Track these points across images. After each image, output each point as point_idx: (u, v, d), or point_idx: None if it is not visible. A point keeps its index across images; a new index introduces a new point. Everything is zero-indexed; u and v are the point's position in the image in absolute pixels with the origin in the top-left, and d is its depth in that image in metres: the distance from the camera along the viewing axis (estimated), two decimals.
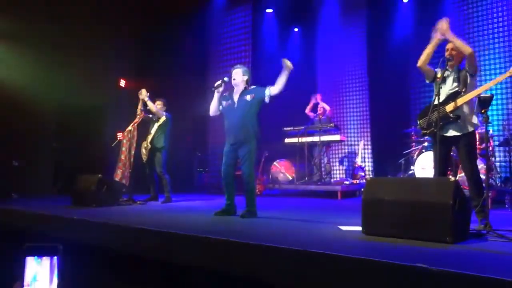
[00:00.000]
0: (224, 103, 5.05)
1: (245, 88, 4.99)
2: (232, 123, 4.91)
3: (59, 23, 8.07)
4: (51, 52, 8.05)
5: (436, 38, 4.14)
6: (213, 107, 5.11)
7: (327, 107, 8.88)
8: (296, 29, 11.23)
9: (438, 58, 4.17)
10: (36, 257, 0.82)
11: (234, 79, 5.00)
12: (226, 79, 5.07)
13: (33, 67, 7.90)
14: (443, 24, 4.03)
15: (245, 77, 5.00)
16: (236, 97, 4.96)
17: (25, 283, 0.81)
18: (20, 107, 7.71)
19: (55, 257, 0.83)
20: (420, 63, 4.23)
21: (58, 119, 8.59)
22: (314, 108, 8.96)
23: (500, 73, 7.28)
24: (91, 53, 8.46)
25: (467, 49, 3.97)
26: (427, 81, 4.35)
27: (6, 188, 7.05)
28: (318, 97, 8.99)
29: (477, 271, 2.04)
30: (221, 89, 5.04)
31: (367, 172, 9.09)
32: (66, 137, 8.39)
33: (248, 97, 4.88)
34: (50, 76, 8.06)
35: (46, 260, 0.82)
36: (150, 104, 6.66)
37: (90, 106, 8.67)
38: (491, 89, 5.27)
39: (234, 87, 5.03)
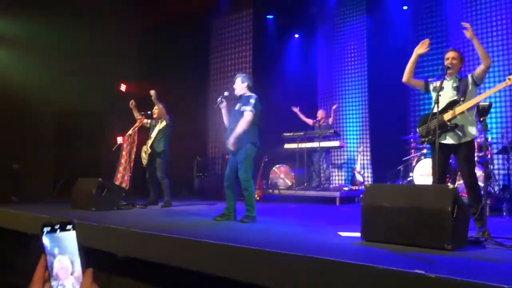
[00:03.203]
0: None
1: (241, 95, 5.02)
2: (228, 131, 4.98)
3: (60, 27, 8.10)
4: (52, 56, 8.08)
5: (415, 53, 4.20)
6: (225, 121, 5.18)
7: (333, 117, 8.95)
8: (296, 35, 11.28)
9: (436, 66, 4.21)
10: (52, 233, 0.84)
11: (235, 89, 5.06)
12: (226, 93, 5.13)
13: (34, 71, 7.93)
14: (469, 29, 4.04)
15: (245, 84, 5.03)
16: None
17: (48, 258, 0.83)
18: (20, 110, 7.73)
19: (73, 231, 0.85)
20: (404, 78, 4.30)
21: (58, 123, 8.60)
22: (309, 115, 8.97)
23: (499, 81, 7.33)
24: (92, 57, 8.49)
25: (488, 60, 4.03)
26: (423, 92, 4.40)
27: (6, 191, 7.05)
28: (335, 106, 9.09)
29: (475, 278, 2.06)
30: (223, 104, 5.09)
31: (366, 179, 9.11)
32: (66, 140, 8.40)
33: (237, 106, 4.94)
34: (51, 79, 8.08)
35: (63, 234, 0.84)
36: (159, 106, 6.73)
37: (90, 110, 8.69)
38: (489, 97, 5.30)
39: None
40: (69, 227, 0.84)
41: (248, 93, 5.01)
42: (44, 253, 0.83)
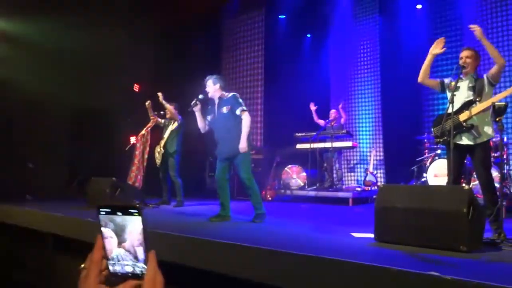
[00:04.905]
0: (209, 117, 5.06)
1: (220, 97, 4.96)
2: (218, 136, 4.94)
3: (75, 28, 8.18)
4: (67, 56, 8.16)
5: (430, 53, 4.15)
6: (200, 125, 5.12)
7: (343, 115, 8.88)
8: (308, 35, 11.25)
9: (451, 65, 4.16)
10: (111, 215, 0.82)
11: (208, 92, 5.01)
12: (201, 96, 5.03)
13: (49, 70, 8.01)
14: (478, 29, 3.98)
15: (217, 85, 4.98)
16: (216, 109, 4.98)
17: (105, 235, 0.82)
18: (35, 110, 7.82)
19: (138, 216, 0.83)
20: (420, 78, 4.24)
21: (72, 122, 8.68)
22: (320, 115, 8.93)
23: None
24: (107, 57, 8.56)
25: (501, 59, 3.95)
26: (439, 91, 4.34)
27: (20, 189, 7.14)
28: (341, 104, 8.97)
29: (490, 281, 2.03)
30: (198, 107, 4.99)
31: (379, 179, 9.04)
32: (80, 140, 8.48)
33: (224, 109, 4.86)
34: (65, 79, 8.16)
35: (125, 218, 0.82)
36: (168, 106, 6.76)
37: (104, 110, 8.76)
38: (505, 97, 5.21)
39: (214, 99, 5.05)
40: (132, 211, 0.83)
41: (228, 94, 4.96)
42: (101, 234, 0.82)
